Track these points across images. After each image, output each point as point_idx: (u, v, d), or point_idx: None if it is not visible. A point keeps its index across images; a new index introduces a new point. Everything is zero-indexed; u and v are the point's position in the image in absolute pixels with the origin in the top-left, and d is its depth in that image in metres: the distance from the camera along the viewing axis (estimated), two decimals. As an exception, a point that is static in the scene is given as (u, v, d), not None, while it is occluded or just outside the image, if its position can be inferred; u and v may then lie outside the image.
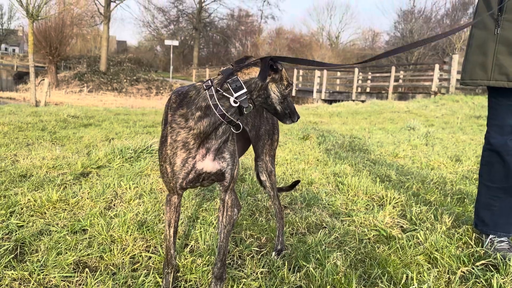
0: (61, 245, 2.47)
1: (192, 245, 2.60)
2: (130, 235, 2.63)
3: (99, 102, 26.17)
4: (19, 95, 27.47)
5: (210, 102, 1.80)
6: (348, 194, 3.84)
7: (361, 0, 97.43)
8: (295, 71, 28.00)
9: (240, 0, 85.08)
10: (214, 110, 1.79)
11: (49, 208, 3.08)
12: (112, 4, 35.04)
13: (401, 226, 3.10)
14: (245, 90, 1.80)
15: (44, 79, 17.01)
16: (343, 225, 3.07)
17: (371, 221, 3.12)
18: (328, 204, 3.54)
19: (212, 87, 1.82)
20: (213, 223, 2.93)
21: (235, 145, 2.05)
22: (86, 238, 2.60)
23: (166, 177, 1.89)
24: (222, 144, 1.91)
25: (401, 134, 8.42)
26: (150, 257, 2.41)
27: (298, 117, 1.95)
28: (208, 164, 1.89)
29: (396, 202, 3.62)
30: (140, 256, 2.41)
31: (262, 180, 2.49)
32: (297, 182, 2.83)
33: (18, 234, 2.56)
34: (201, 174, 1.89)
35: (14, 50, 64.11)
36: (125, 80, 31.92)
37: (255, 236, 2.79)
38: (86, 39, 54.44)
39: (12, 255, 2.29)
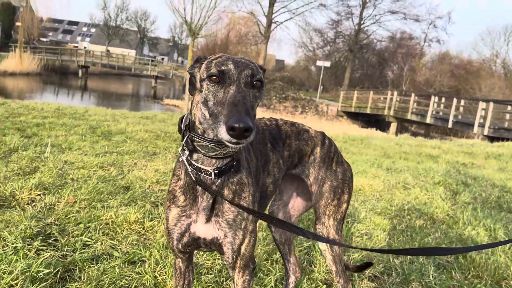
0: (107, 276, 2.35)
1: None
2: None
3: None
4: (183, 103, 30.84)
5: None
6: (469, 274, 2.96)
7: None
8: (455, 100, 25.17)
9: (402, 22, 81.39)
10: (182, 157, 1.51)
11: (124, 229, 3.04)
12: (273, 25, 37.01)
13: None
14: (184, 123, 1.51)
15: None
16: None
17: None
18: (436, 284, 2.76)
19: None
20: None
21: (254, 204, 1.61)
22: (134, 273, 2.43)
23: (165, 234, 1.60)
24: (218, 204, 1.53)
25: None
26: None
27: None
28: (200, 227, 1.54)
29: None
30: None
31: (322, 249, 1.98)
32: (369, 264, 2.22)
33: (74, 256, 2.53)
34: (196, 239, 1.55)
35: (162, 59, 71.21)
36: (274, 97, 33.12)
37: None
38: (249, 57, 58.58)
39: (50, 281, 2.23)
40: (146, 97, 38.02)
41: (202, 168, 1.45)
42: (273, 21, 36.72)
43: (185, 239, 1.56)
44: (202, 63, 1.48)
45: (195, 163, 1.46)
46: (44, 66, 38.18)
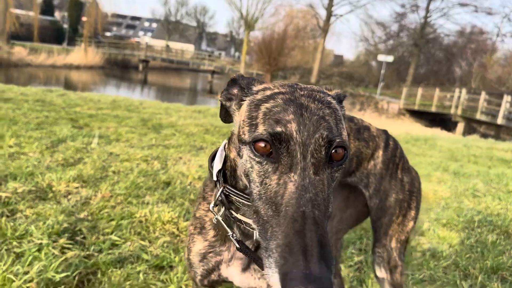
0: (130, 282, 2.11)
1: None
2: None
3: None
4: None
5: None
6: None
7: None
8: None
9: (473, 15, 76.48)
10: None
11: (157, 228, 2.82)
12: (332, 18, 36.01)
13: None
14: (217, 168, 1.09)
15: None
16: None
17: None
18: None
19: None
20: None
21: None
22: (159, 282, 2.18)
23: (186, 261, 1.31)
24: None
25: None
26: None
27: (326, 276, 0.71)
28: (235, 276, 1.21)
29: None
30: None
31: (379, 277, 1.59)
32: None
33: (99, 258, 2.32)
34: (228, 282, 1.24)
35: (220, 54, 71.09)
36: (331, 93, 32.34)
37: None
38: (306, 51, 57.86)
39: (68, 285, 2.03)
40: (203, 91, 38.61)
41: (244, 221, 1.07)
42: (332, 14, 35.69)
43: (213, 277, 1.25)
44: (245, 98, 0.97)
45: (234, 213, 1.09)
46: (107, 60, 39.88)
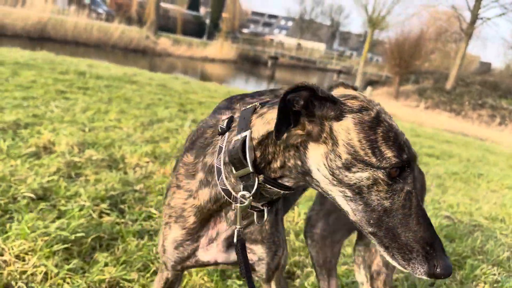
0: (134, 254, 2.16)
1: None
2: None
3: (427, 119, 25.04)
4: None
5: (215, 160, 1.12)
6: None
7: None
8: None
9: None
10: (216, 177, 1.12)
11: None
12: (478, 21, 32.33)
13: None
14: (251, 158, 1.05)
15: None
16: None
17: None
18: None
19: (227, 133, 1.12)
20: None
21: (280, 224, 1.33)
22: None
23: (159, 247, 1.36)
24: (250, 228, 1.24)
25: None
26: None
27: (431, 274, 0.95)
28: (214, 255, 1.26)
29: None
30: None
31: (357, 280, 1.41)
32: None
33: (127, 226, 2.42)
34: (205, 264, 1.28)
35: (351, 55, 68.65)
36: (467, 103, 29.15)
37: None
38: (447, 56, 53.27)
39: (81, 246, 2.15)
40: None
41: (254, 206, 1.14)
42: (479, 16, 32.05)
43: (188, 263, 1.30)
44: (345, 114, 0.98)
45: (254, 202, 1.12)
46: (239, 55, 42.10)
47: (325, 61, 44.61)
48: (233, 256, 1.26)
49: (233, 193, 1.10)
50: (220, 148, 1.11)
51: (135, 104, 6.36)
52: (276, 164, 1.05)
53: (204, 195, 1.17)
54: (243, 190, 1.07)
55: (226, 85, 22.46)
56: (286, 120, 0.96)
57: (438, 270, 0.93)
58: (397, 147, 0.95)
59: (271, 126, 1.01)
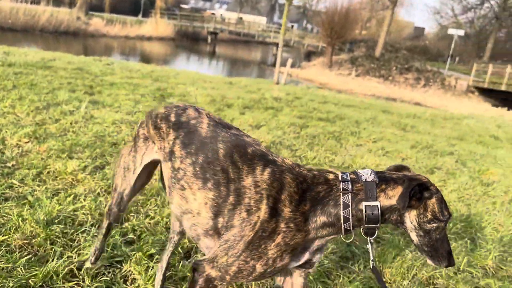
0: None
1: None
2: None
3: (358, 86, 26.34)
4: (298, 71, 30.84)
5: (341, 212, 1.59)
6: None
7: None
8: None
9: None
10: (342, 222, 1.60)
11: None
12: (403, -12, 33.89)
13: None
14: (379, 223, 1.62)
15: (289, 59, 18.46)
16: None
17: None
18: None
19: (350, 194, 1.61)
20: None
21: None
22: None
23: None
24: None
25: None
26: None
27: (449, 265, 1.69)
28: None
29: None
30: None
31: None
32: None
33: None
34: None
35: (292, 27, 69.13)
36: (394, 68, 30.81)
37: None
38: (382, 23, 55.10)
39: None
40: (263, 64, 38.71)
41: None
42: (403, -16, 33.60)
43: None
44: (432, 198, 1.64)
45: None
46: (177, 31, 41.47)
47: (264, 35, 44.97)
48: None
49: (351, 229, 1.65)
50: (346, 204, 1.59)
51: (39, 89, 6.59)
52: (384, 218, 1.65)
53: (324, 232, 1.65)
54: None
55: (168, 65, 22.39)
56: (407, 200, 1.56)
57: (450, 263, 1.69)
58: (447, 208, 1.64)
59: (393, 201, 1.59)
